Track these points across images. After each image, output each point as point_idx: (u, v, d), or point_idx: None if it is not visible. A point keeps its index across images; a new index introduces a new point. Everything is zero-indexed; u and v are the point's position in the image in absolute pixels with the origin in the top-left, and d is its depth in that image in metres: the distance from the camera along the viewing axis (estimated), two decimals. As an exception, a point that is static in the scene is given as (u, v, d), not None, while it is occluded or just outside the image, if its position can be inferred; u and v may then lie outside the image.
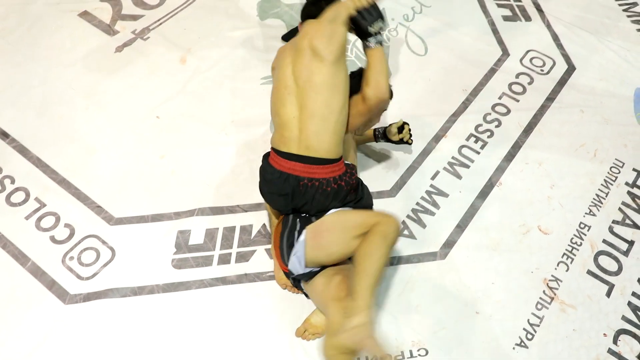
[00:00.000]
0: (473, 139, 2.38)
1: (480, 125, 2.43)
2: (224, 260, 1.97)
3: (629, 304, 1.98)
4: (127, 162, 2.21)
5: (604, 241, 2.13)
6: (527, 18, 2.91)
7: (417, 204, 2.16)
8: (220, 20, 2.74)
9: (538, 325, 1.90)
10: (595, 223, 2.17)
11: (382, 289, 1.93)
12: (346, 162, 1.83)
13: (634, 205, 2.23)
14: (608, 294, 1.99)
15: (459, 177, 2.26)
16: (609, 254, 2.10)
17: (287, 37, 2.63)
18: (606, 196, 2.25)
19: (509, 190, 2.23)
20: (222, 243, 2.02)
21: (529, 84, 2.61)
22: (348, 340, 1.48)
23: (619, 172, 2.32)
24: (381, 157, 2.29)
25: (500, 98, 2.54)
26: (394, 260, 2.00)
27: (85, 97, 2.40)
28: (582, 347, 1.86)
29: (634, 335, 1.90)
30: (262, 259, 1.98)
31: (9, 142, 2.23)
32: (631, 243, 2.13)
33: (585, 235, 2.13)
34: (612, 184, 2.28)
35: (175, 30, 2.68)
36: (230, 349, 1.78)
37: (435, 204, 2.17)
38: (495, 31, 2.83)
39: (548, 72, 2.67)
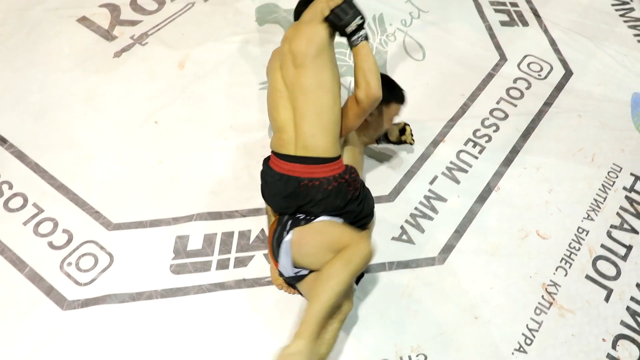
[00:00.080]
0: (471, 143, 2.39)
1: (478, 130, 2.44)
2: (223, 265, 1.97)
3: (628, 308, 1.98)
4: (125, 168, 2.21)
5: (602, 246, 2.13)
6: (525, 23, 2.92)
7: (416, 208, 2.17)
8: (218, 25, 2.74)
9: (537, 330, 1.90)
10: (594, 228, 2.17)
11: (380, 293, 1.93)
12: (345, 163, 1.83)
13: (631, 210, 2.24)
14: (607, 299, 2.00)
15: (457, 181, 2.26)
16: (608, 259, 2.10)
17: None
18: (604, 201, 2.25)
19: (507, 195, 2.23)
20: (220, 248, 2.01)
21: (527, 88, 2.62)
22: None
23: (617, 177, 2.33)
24: (380, 162, 2.29)
25: (498, 103, 2.55)
26: (392, 265, 2.00)
27: (83, 102, 2.40)
28: (581, 352, 1.86)
29: (633, 340, 1.91)
30: (261, 264, 1.98)
31: (7, 147, 2.23)
32: (629, 248, 2.13)
33: (584, 240, 2.14)
34: (610, 189, 2.29)
35: (173, 35, 2.68)
36: (229, 355, 1.78)
37: (433, 209, 2.17)
38: (492, 36, 2.84)
39: (545, 77, 2.67)
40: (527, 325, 1.91)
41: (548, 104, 2.56)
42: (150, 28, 2.70)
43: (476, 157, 2.34)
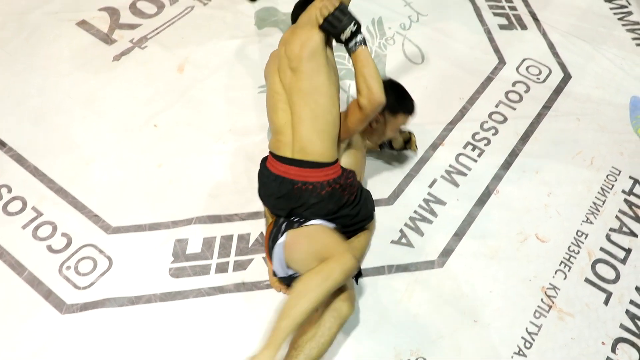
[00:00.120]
0: (470, 147, 2.39)
1: (477, 133, 2.44)
2: (222, 269, 1.97)
3: (627, 312, 1.98)
4: (124, 171, 2.21)
5: (602, 249, 2.13)
6: (523, 27, 2.93)
7: (415, 212, 2.17)
8: (217, 29, 2.75)
9: (536, 334, 1.90)
10: (593, 231, 2.17)
11: (380, 297, 1.93)
12: (343, 166, 1.83)
13: (630, 213, 2.24)
14: (606, 302, 1.99)
15: (456, 185, 2.26)
16: (607, 262, 2.10)
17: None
18: (603, 204, 2.25)
19: (507, 199, 2.23)
20: (219, 252, 2.01)
21: (526, 92, 2.62)
22: None
23: (616, 180, 2.33)
24: (379, 166, 2.29)
25: (497, 106, 2.55)
26: (392, 269, 2.00)
27: (82, 105, 2.40)
28: (581, 356, 1.86)
29: (632, 344, 1.90)
30: (260, 268, 1.98)
31: (6, 151, 2.23)
32: (628, 251, 2.13)
33: (583, 243, 2.14)
34: (608, 192, 2.29)
35: (172, 39, 2.68)
36: (229, 359, 1.77)
37: (432, 212, 2.17)
38: (491, 40, 2.84)
39: (544, 81, 2.68)
40: (526, 329, 1.91)
41: (547, 107, 2.56)
42: (150, 32, 2.70)
43: (475, 161, 2.35)
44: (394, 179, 2.26)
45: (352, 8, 1.77)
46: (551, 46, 2.83)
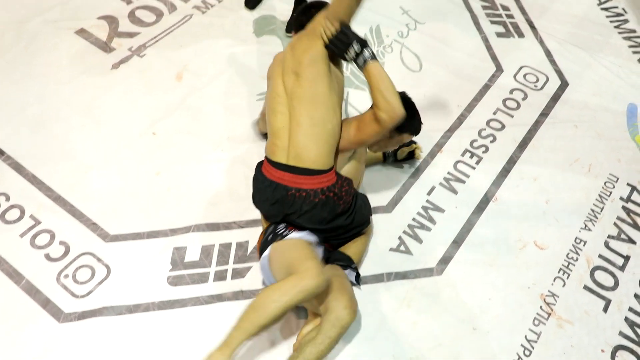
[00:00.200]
0: (468, 154, 2.40)
1: (475, 140, 2.45)
2: (220, 277, 1.96)
3: (626, 319, 1.98)
4: (123, 179, 2.20)
5: (600, 256, 2.13)
6: (520, 34, 2.94)
7: (414, 219, 2.17)
8: (216, 37, 2.76)
9: (535, 341, 1.89)
10: (591, 238, 2.17)
11: (378, 304, 1.93)
12: (342, 174, 1.83)
13: (629, 220, 2.24)
14: (605, 309, 1.99)
15: (454, 192, 2.26)
16: (605, 269, 2.10)
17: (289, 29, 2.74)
18: (601, 211, 2.26)
19: (505, 206, 2.23)
20: (218, 260, 2.01)
21: (523, 99, 2.63)
22: None
23: (614, 187, 2.34)
24: (377, 173, 2.30)
25: (494, 114, 2.56)
26: (390, 276, 2.00)
27: (81, 114, 2.40)
28: (580, 363, 1.86)
29: (632, 351, 1.90)
30: (259, 276, 1.97)
31: (5, 159, 2.22)
32: (627, 258, 2.13)
33: (582, 250, 2.14)
34: (606, 199, 2.30)
35: (171, 47, 2.69)
36: (226, 368, 1.77)
37: (431, 220, 2.17)
38: (488, 47, 2.86)
39: (541, 88, 2.69)
40: (525, 336, 1.90)
41: (544, 114, 2.57)
42: (148, 40, 2.71)
43: (473, 168, 2.35)
44: (392, 187, 2.26)
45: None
46: (548, 54, 2.85)
